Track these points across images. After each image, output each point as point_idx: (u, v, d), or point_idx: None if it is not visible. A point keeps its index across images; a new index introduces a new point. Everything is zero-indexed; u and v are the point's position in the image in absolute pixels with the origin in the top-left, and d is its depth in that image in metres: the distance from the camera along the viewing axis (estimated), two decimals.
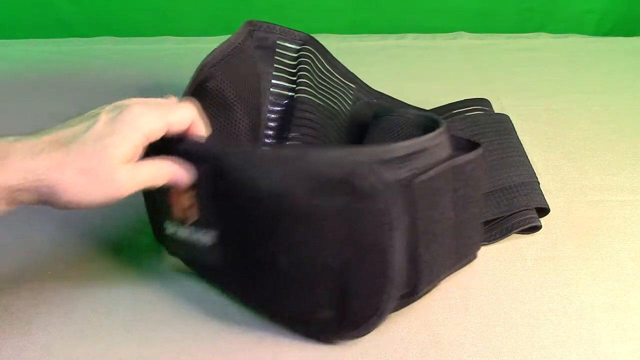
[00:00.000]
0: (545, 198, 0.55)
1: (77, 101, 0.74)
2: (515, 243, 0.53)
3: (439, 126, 0.41)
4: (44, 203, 0.34)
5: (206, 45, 0.89)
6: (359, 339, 0.43)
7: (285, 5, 0.94)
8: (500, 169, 0.55)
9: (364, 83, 0.66)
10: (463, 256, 0.46)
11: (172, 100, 0.41)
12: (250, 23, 0.58)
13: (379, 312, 0.40)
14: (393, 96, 0.69)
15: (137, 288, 0.49)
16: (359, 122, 0.62)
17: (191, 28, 0.92)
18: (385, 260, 0.38)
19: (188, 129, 0.39)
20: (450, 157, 0.41)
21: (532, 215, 0.53)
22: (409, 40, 0.88)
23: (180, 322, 0.46)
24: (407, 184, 0.38)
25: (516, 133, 0.61)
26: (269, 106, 0.60)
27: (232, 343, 0.45)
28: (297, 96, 0.58)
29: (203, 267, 0.47)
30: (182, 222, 0.42)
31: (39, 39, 0.91)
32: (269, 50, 0.59)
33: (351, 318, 0.41)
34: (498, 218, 0.52)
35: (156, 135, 0.36)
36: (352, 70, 0.65)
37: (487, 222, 0.52)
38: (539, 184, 0.56)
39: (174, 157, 0.38)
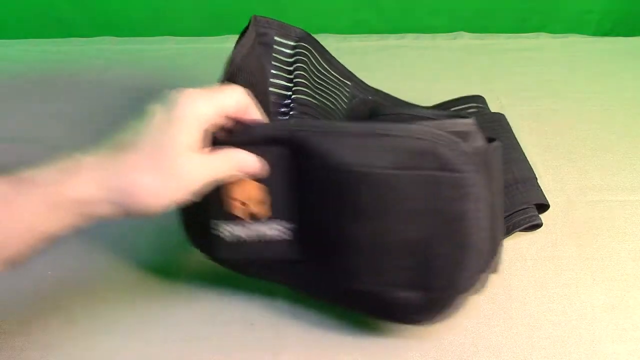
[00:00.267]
0: (545, 197, 0.55)
1: (77, 101, 0.74)
2: (515, 243, 0.53)
3: None
4: (122, 213, 0.33)
5: (206, 45, 0.90)
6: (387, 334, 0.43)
7: (286, 5, 0.94)
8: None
9: (360, 80, 0.66)
10: (498, 243, 0.45)
11: (223, 87, 0.40)
12: (255, 18, 0.58)
13: (462, 289, 0.39)
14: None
15: (137, 288, 0.49)
16: (355, 120, 0.61)
17: (191, 28, 0.92)
18: (469, 232, 0.38)
19: (244, 115, 0.38)
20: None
21: (533, 214, 0.53)
22: (409, 40, 0.88)
23: (180, 323, 0.46)
24: (483, 152, 0.38)
25: (513, 132, 0.62)
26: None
27: (232, 343, 0.45)
28: (295, 97, 0.57)
29: (262, 267, 0.44)
30: (247, 218, 0.40)
31: (39, 39, 0.90)
32: (268, 46, 0.59)
33: (434, 297, 0.40)
34: None
35: (212, 119, 0.36)
36: (352, 70, 0.65)
37: None
38: (537, 180, 0.56)
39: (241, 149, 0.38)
